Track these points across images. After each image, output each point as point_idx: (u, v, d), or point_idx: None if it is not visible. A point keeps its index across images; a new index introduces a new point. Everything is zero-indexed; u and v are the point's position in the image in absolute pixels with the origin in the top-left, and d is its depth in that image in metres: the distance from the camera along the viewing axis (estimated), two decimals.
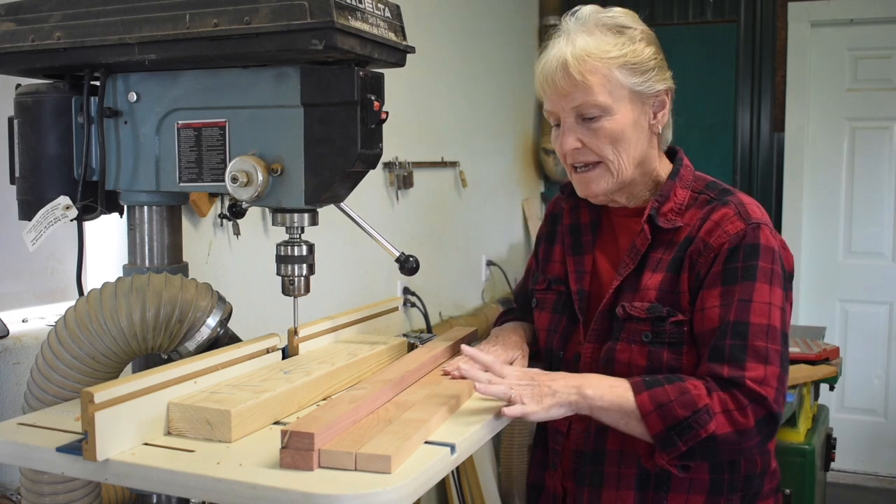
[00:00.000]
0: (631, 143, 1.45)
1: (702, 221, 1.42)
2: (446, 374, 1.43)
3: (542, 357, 1.60)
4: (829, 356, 2.91)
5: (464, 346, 1.43)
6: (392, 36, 1.33)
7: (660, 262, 1.44)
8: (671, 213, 1.46)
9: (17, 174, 1.42)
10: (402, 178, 2.99)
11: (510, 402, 1.29)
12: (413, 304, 3.02)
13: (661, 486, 1.42)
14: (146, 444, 1.14)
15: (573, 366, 1.50)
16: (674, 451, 1.30)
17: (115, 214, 1.46)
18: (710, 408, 1.29)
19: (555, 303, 1.58)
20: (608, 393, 1.32)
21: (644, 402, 1.31)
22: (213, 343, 1.36)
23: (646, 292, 1.42)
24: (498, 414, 1.28)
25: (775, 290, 1.36)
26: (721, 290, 1.37)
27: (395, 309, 1.82)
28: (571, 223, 1.60)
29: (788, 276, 1.43)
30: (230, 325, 1.41)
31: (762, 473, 1.48)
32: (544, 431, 1.61)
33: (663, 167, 1.52)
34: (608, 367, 1.43)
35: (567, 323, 1.55)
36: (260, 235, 2.27)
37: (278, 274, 1.41)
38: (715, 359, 1.34)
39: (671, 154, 1.56)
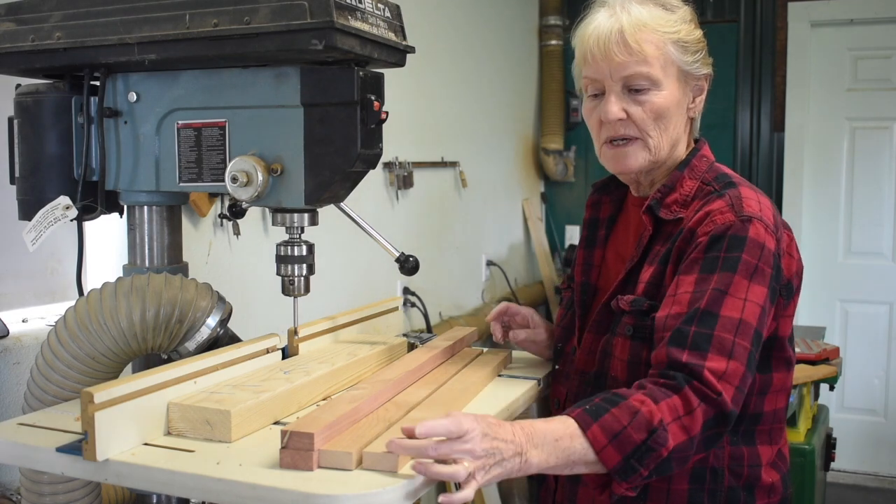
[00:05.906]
0: (671, 123, 1.42)
1: (695, 213, 1.37)
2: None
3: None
4: (829, 356, 2.90)
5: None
6: (392, 36, 1.33)
7: (657, 255, 1.39)
8: (675, 205, 1.41)
9: (17, 174, 1.42)
10: (402, 178, 2.99)
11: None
12: (413, 304, 3.02)
13: (639, 498, 1.32)
14: (146, 444, 1.14)
15: (570, 358, 1.50)
16: (635, 480, 1.19)
17: (115, 214, 1.46)
18: (664, 422, 1.18)
19: (569, 299, 1.59)
20: (552, 456, 1.16)
21: (596, 436, 1.17)
22: (213, 343, 1.36)
23: (638, 286, 1.39)
24: None
25: (755, 287, 1.27)
26: (697, 278, 1.29)
27: (395, 309, 1.82)
28: (591, 217, 1.59)
29: (786, 285, 1.35)
30: (230, 325, 1.41)
31: (749, 487, 1.38)
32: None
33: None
34: (605, 360, 1.40)
35: (571, 316, 1.55)
36: (260, 235, 2.27)
37: (278, 274, 1.41)
38: (676, 343, 1.25)
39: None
